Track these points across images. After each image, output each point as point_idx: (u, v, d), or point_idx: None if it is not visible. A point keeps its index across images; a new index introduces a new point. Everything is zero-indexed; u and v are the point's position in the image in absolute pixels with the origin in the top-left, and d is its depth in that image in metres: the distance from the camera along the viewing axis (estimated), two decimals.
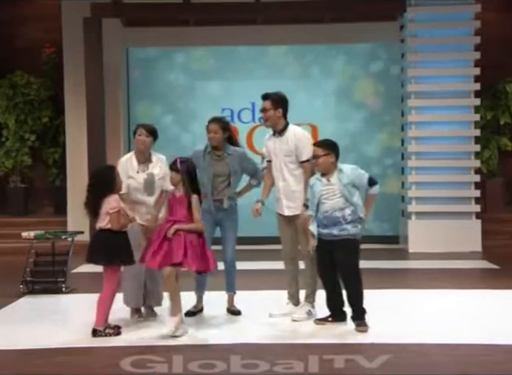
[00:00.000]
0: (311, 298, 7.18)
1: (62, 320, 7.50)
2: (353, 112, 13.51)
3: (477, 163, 12.58)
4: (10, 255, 11.53)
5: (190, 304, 7.18)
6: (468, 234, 12.16)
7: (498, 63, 13.24)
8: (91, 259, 6.59)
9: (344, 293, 6.80)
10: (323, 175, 6.77)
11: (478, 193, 12.47)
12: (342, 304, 6.88)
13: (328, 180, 6.72)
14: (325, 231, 6.69)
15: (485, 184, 13.34)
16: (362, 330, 6.58)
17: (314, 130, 13.23)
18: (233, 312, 7.33)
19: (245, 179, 7.58)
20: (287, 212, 7.12)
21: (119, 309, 7.04)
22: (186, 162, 6.68)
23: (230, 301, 7.43)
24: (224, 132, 7.29)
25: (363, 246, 12.39)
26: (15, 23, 14.46)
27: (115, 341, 6.36)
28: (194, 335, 6.57)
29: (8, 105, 13.84)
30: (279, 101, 7.17)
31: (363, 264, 10.46)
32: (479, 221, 12.34)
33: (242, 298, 7.53)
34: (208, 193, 7.15)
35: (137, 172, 7.08)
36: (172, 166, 6.66)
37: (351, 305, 6.75)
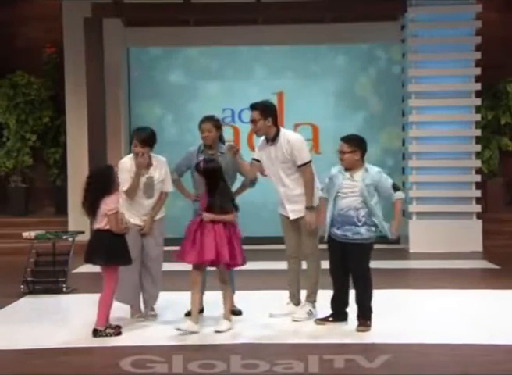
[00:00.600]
0: (312, 298, 7.18)
1: (62, 320, 7.52)
2: (354, 111, 13.50)
3: (477, 163, 12.57)
4: (11, 255, 11.54)
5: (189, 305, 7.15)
6: (469, 234, 12.16)
7: (499, 63, 13.23)
8: (90, 260, 6.61)
9: (353, 292, 6.81)
10: (347, 170, 6.72)
11: (478, 193, 12.46)
12: (345, 305, 6.88)
13: (351, 176, 6.66)
14: (339, 232, 6.68)
15: (485, 184, 13.34)
16: (362, 329, 6.58)
17: (314, 129, 13.25)
18: (234, 312, 7.29)
19: (239, 180, 7.56)
20: (293, 216, 7.10)
21: (120, 309, 7.06)
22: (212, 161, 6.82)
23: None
24: (217, 130, 7.34)
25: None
26: (15, 23, 14.46)
27: (115, 341, 6.37)
28: (195, 335, 6.57)
29: (8, 105, 13.84)
30: (267, 111, 7.08)
31: None
32: (480, 221, 12.34)
33: (242, 298, 7.52)
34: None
35: None
36: (197, 168, 6.82)
37: (357, 303, 6.75)
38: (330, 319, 6.87)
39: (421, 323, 6.93)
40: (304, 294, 7.26)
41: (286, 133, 7.13)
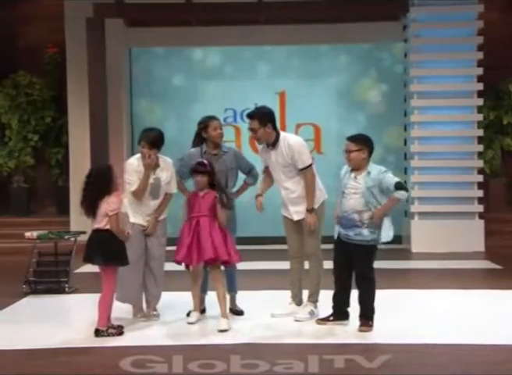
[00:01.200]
0: (314, 298, 7.18)
1: (64, 320, 7.53)
2: (356, 112, 13.49)
3: (480, 163, 12.55)
4: (13, 255, 11.53)
5: (190, 305, 7.15)
6: (471, 234, 12.14)
7: (501, 63, 13.21)
8: (88, 259, 6.62)
9: (355, 292, 6.81)
10: (353, 170, 6.71)
11: (480, 193, 12.44)
12: (346, 304, 6.88)
13: (355, 178, 6.65)
14: (343, 232, 6.70)
15: (487, 184, 13.31)
16: (364, 329, 6.58)
17: (316, 129, 13.24)
18: (236, 312, 7.33)
19: (241, 179, 7.56)
20: (296, 217, 7.11)
21: (121, 309, 7.06)
22: (209, 163, 6.90)
23: (232, 301, 7.43)
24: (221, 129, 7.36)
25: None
26: (18, 23, 14.49)
27: (115, 341, 6.38)
28: (196, 335, 6.60)
29: (11, 105, 13.87)
30: (265, 118, 7.06)
31: None
32: (482, 221, 12.32)
33: (244, 298, 7.53)
34: None
35: None
36: (200, 169, 6.82)
37: (360, 303, 6.75)
38: (331, 318, 6.87)
39: (422, 323, 6.92)
40: (306, 294, 7.26)
41: (287, 137, 7.12)
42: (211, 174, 6.86)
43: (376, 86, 13.51)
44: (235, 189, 7.48)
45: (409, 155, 12.70)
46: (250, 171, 7.50)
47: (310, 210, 6.97)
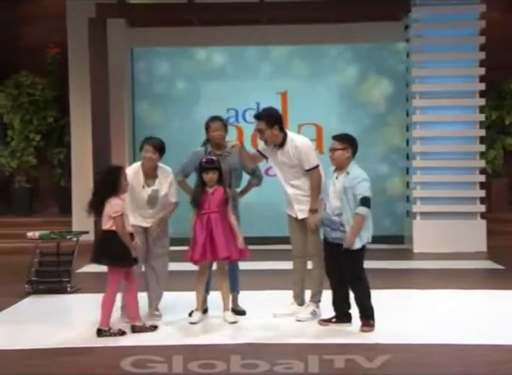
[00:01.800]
0: (316, 298, 7.17)
1: (65, 320, 7.53)
2: (358, 111, 13.49)
3: (482, 163, 12.54)
4: (15, 254, 11.55)
5: (192, 304, 7.16)
6: (473, 234, 12.13)
7: (503, 63, 13.21)
8: (95, 260, 6.64)
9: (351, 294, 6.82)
10: (336, 170, 6.72)
11: (483, 193, 12.43)
12: (347, 306, 6.86)
13: (337, 178, 6.67)
14: (329, 233, 6.70)
15: (490, 184, 13.31)
16: (366, 329, 6.57)
17: (318, 129, 13.24)
18: (238, 312, 7.32)
19: (245, 180, 7.57)
20: (301, 216, 7.10)
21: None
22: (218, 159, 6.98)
23: (234, 301, 7.42)
24: (225, 130, 7.36)
25: (367, 246, 12.37)
26: (20, 23, 14.52)
27: (115, 341, 6.38)
28: (196, 335, 6.60)
29: (13, 105, 13.90)
30: (272, 119, 7.06)
31: (367, 264, 10.48)
32: (484, 221, 12.31)
33: (246, 298, 7.54)
34: None
35: (143, 187, 7.06)
36: (209, 166, 6.87)
37: (357, 304, 6.74)
38: (333, 320, 6.86)
39: (424, 323, 6.91)
40: (308, 294, 7.26)
41: (294, 138, 7.13)
42: (220, 170, 6.93)
43: (378, 86, 13.51)
44: (239, 189, 7.48)
45: (411, 155, 12.69)
46: (254, 172, 7.51)
47: (313, 210, 6.97)
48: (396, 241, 12.96)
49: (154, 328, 6.67)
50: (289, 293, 7.35)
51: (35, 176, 14.43)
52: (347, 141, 6.71)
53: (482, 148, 12.52)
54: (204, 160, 6.94)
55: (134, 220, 7.00)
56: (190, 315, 7.07)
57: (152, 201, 7.06)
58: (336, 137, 6.79)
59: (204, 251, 6.78)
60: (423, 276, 10.09)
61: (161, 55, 13.75)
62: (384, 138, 13.52)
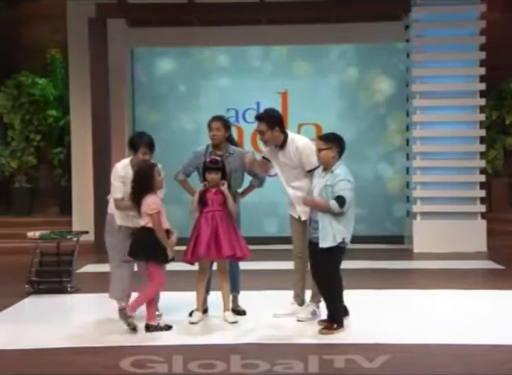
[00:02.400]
0: (316, 298, 7.15)
1: (66, 320, 7.51)
2: (358, 111, 13.49)
3: (482, 163, 12.53)
4: (15, 254, 11.55)
5: (192, 304, 7.16)
6: (473, 234, 12.12)
7: (503, 63, 13.19)
8: (133, 255, 6.75)
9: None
10: (324, 169, 6.71)
11: (483, 193, 12.42)
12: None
13: (323, 177, 6.66)
14: (311, 233, 6.70)
15: (490, 184, 13.31)
16: (324, 332, 6.52)
17: (318, 129, 13.23)
18: (238, 312, 7.32)
19: (247, 181, 7.57)
20: (304, 217, 7.08)
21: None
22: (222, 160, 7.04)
23: (234, 301, 7.43)
24: (226, 130, 7.32)
25: (367, 246, 12.43)
26: (20, 23, 14.51)
27: (115, 341, 6.38)
28: (196, 335, 6.60)
29: (13, 105, 13.89)
30: (273, 120, 7.07)
31: (367, 264, 10.50)
32: (484, 221, 12.30)
33: (246, 298, 7.54)
34: None
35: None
36: (213, 167, 6.90)
37: (326, 305, 6.75)
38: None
39: (424, 323, 6.90)
40: (308, 294, 7.26)
41: (295, 139, 7.13)
42: (224, 171, 6.96)
43: (378, 86, 13.50)
44: (240, 190, 7.49)
45: (411, 155, 12.68)
46: (256, 174, 7.50)
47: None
48: (396, 241, 12.97)
49: (168, 328, 6.70)
50: (290, 293, 7.35)
51: (35, 176, 14.43)
52: (332, 141, 6.69)
53: (482, 148, 12.51)
54: (208, 160, 6.97)
55: (121, 221, 7.00)
56: (190, 315, 7.07)
57: None
58: (321, 137, 6.82)
59: (208, 249, 6.80)
60: (423, 276, 10.09)
61: (161, 55, 13.75)
62: (384, 138, 13.52)
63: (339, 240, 6.51)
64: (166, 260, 6.67)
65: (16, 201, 14.11)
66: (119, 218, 6.98)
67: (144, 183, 6.65)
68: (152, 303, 6.73)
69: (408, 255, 12.04)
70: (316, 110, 13.31)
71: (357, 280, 8.60)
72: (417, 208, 12.38)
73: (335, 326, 6.57)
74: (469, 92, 12.44)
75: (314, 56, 13.56)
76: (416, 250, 12.16)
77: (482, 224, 12.27)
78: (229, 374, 5.39)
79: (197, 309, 7.04)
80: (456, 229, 12.12)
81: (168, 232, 6.70)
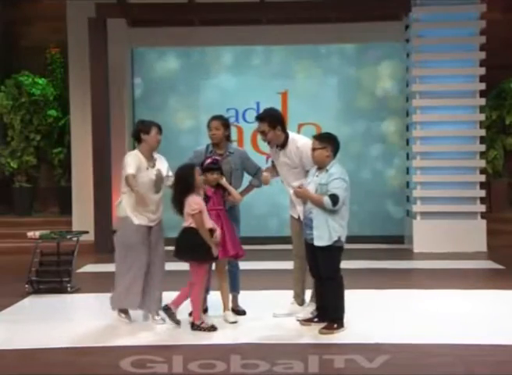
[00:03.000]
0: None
1: (65, 320, 7.51)
2: (358, 111, 13.48)
3: (482, 163, 12.53)
4: (15, 254, 11.57)
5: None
6: (473, 234, 12.12)
7: (503, 63, 13.19)
8: (177, 255, 6.80)
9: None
10: (318, 168, 6.73)
11: (483, 193, 12.42)
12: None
13: (318, 176, 6.68)
14: (307, 232, 6.70)
15: (490, 184, 13.31)
16: (323, 332, 6.54)
17: (318, 130, 13.21)
18: (238, 312, 7.33)
19: (246, 180, 7.57)
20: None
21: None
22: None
23: (234, 301, 7.44)
24: (225, 130, 7.33)
25: (367, 246, 12.43)
26: (20, 23, 14.54)
27: (115, 341, 6.39)
28: (196, 335, 6.59)
29: (13, 104, 13.88)
30: (275, 120, 7.10)
31: (368, 264, 10.49)
32: (484, 221, 12.30)
33: (246, 298, 7.54)
34: None
35: (147, 168, 7.04)
36: (214, 167, 6.96)
37: (327, 305, 6.74)
38: (315, 320, 6.84)
39: (424, 323, 6.91)
40: (308, 294, 7.27)
41: (295, 139, 7.14)
42: (221, 171, 7.03)
43: (378, 85, 13.50)
44: (240, 190, 7.48)
45: (411, 155, 12.69)
46: (256, 173, 7.50)
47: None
48: (396, 241, 12.96)
49: (213, 329, 6.70)
50: (290, 293, 7.35)
51: (35, 176, 14.43)
52: (326, 140, 6.72)
53: (482, 147, 12.51)
54: (209, 161, 6.99)
55: (138, 221, 6.94)
56: (190, 315, 7.07)
57: (157, 183, 7.05)
58: (316, 137, 6.84)
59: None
60: (423, 276, 10.10)
61: (161, 54, 13.74)
62: (384, 138, 13.51)
63: (335, 238, 6.52)
64: (212, 258, 6.74)
65: (16, 201, 14.11)
66: (135, 218, 6.95)
67: (185, 183, 6.70)
68: (197, 302, 6.77)
69: (408, 254, 12.04)
70: (316, 110, 13.31)
71: (356, 280, 8.60)
72: (417, 208, 12.38)
73: (335, 326, 6.58)
74: (469, 92, 12.45)
75: (314, 56, 13.55)
76: (416, 250, 12.16)
77: (482, 224, 12.27)
78: (229, 374, 5.39)
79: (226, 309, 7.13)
80: (456, 229, 12.12)
81: (211, 230, 6.72)
